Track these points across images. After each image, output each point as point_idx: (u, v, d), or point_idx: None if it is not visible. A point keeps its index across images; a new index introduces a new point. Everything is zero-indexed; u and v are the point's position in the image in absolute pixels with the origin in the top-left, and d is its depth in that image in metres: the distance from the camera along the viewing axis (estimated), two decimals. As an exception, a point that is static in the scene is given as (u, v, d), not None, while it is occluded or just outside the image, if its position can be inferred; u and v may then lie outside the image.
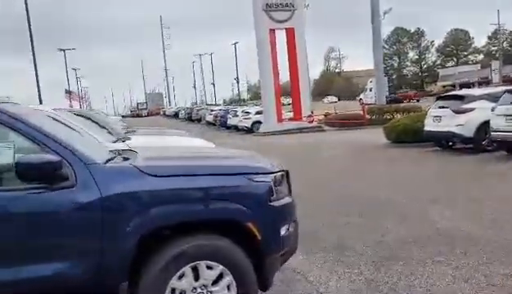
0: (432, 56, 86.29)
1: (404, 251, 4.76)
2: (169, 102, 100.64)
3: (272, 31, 27.35)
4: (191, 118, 46.55)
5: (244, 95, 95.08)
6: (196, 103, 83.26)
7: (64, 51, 51.01)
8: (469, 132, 11.21)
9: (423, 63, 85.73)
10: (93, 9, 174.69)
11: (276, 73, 27.64)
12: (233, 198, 3.07)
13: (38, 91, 26.64)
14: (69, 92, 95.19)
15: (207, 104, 65.24)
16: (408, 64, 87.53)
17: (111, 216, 2.80)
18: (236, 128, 30.47)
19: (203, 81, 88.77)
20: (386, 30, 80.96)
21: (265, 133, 25.70)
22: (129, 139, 5.88)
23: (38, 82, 26.65)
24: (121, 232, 2.79)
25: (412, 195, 7.39)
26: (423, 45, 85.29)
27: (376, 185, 8.38)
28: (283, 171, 3.50)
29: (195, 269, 2.98)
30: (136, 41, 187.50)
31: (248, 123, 29.17)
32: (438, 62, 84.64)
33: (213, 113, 37.71)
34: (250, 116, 29.60)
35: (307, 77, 29.24)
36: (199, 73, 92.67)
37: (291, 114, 28.53)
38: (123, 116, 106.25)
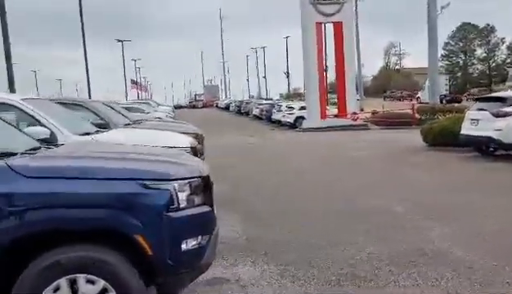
0: (502, 54, 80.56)
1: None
2: (226, 94, 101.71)
3: (319, 25, 26.52)
4: (240, 111, 46.64)
5: (302, 90, 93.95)
6: (253, 96, 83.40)
7: (122, 42, 52.78)
8: (508, 138, 10.09)
9: (491, 61, 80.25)
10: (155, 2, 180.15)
11: (321, 68, 26.82)
12: (119, 206, 2.72)
13: (88, 82, 27.68)
14: (135, 83, 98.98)
15: (260, 98, 65.09)
16: (475, 61, 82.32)
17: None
18: (280, 123, 30.02)
19: (258, 74, 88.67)
20: (452, 26, 76.68)
21: (307, 129, 25.05)
22: (105, 132, 5.70)
23: (87, 72, 27.70)
24: None
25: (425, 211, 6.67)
26: (492, 42, 79.74)
27: (390, 198, 7.59)
28: (199, 177, 3.11)
29: (74, 282, 2.69)
30: (195, 33, 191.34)
31: (291, 118, 28.59)
32: (508, 60, 78.87)
33: (260, 107, 37.45)
34: (294, 111, 29.00)
35: (353, 73, 28.17)
36: (254, 66, 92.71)
37: (336, 111, 27.64)
38: (180, 106, 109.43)
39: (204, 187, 3.15)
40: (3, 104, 5.19)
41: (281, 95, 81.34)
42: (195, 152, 5.90)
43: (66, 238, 2.69)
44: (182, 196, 2.94)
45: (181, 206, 2.93)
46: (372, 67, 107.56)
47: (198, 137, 8.50)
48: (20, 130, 4.00)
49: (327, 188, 8.53)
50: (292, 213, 6.65)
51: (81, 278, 2.68)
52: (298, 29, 27.50)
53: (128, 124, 8.30)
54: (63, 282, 2.66)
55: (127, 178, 2.78)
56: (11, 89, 13.25)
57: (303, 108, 28.46)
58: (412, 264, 4.43)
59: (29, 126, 5.12)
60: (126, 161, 3.12)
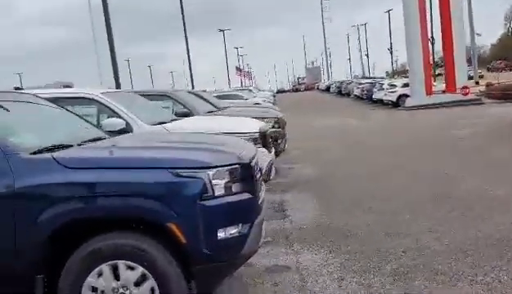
0: None
1: None
2: (328, 76, 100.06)
3: (422, -8, 24.57)
4: (341, 92, 45.52)
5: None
6: (358, 76, 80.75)
7: (223, 31, 54.48)
8: None
9: None
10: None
11: (425, 39, 24.87)
12: (151, 194, 2.75)
13: (190, 72, 29.09)
14: (239, 70, 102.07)
15: (364, 77, 62.80)
16: None
17: (23, 207, 2.76)
18: (382, 102, 28.64)
19: (360, 53, 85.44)
20: None
21: (411, 107, 23.55)
22: (178, 121, 5.88)
23: (190, 63, 29.07)
24: (32, 224, 2.74)
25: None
26: None
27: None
28: (238, 164, 3.02)
29: (115, 269, 2.79)
30: (296, 17, 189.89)
31: (393, 97, 27.08)
32: None
33: (361, 87, 36.10)
34: (396, 89, 27.44)
35: (463, 44, 25.66)
36: (356, 45, 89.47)
37: (443, 86, 25.54)
38: (283, 91, 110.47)
39: (244, 174, 3.06)
40: (85, 98, 5.62)
41: (387, 74, 77.52)
42: (265, 137, 5.82)
43: (106, 226, 2.79)
44: (218, 184, 2.88)
45: (217, 194, 2.87)
46: (493, 35, 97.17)
47: (278, 122, 8.43)
48: (88, 122, 4.26)
49: (434, 183, 6.84)
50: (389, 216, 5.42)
51: (121, 264, 2.77)
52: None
53: (210, 112, 8.50)
54: (105, 267, 2.78)
55: (159, 167, 2.80)
56: (117, 84, 14.32)
57: (406, 85, 26.82)
58: None
59: (108, 118, 5.48)
60: (163, 149, 3.15)
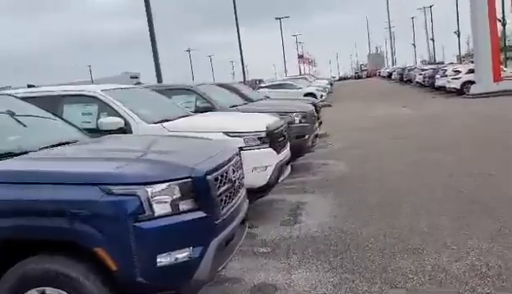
0: None
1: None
2: (392, 62, 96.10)
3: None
4: (403, 78, 43.37)
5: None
6: (425, 61, 76.61)
7: (280, 19, 53.70)
8: None
9: None
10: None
11: (493, 18, 22.75)
12: (77, 214, 2.41)
13: (242, 62, 28.88)
14: (301, 57, 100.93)
15: (432, 63, 59.42)
16: None
17: None
18: (445, 89, 26.79)
19: (427, 37, 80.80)
20: None
21: (476, 95, 21.76)
22: (180, 119, 5.53)
23: (241, 53, 28.84)
24: None
25: None
26: None
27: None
28: (188, 178, 2.62)
29: (44, 294, 2.51)
30: (359, 1, 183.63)
31: (457, 84, 25.17)
32: None
33: (423, 73, 34.05)
34: (460, 75, 25.45)
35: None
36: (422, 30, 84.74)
37: (514, 71, 23.36)
38: (345, 78, 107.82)
39: (198, 189, 2.65)
40: (86, 96, 5.44)
41: (458, 58, 72.74)
42: (273, 136, 5.33)
43: (35, 248, 2.51)
44: (161, 202, 2.50)
45: (158, 213, 2.49)
46: None
47: (306, 116, 7.89)
48: (70, 123, 4.01)
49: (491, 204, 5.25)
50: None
51: (48, 290, 2.48)
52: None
53: (234, 106, 8.12)
54: (34, 293, 2.50)
55: (88, 183, 2.45)
56: (158, 77, 14.26)
57: (471, 71, 24.83)
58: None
59: (108, 116, 5.27)
60: (99, 162, 2.78)
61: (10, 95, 4.01)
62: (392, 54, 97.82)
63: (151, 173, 2.56)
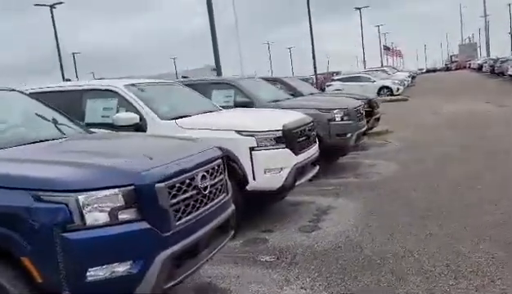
0: None
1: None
2: (487, 53, 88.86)
3: None
4: (494, 70, 39.78)
5: None
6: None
7: (359, 9, 51.79)
8: None
9: None
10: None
11: None
12: (7, 220, 2.31)
13: (313, 54, 28.15)
14: (387, 48, 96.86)
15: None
16: None
17: None
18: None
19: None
20: None
21: None
22: (196, 116, 5.33)
23: (312, 43, 28.13)
24: None
25: None
26: None
27: None
28: (130, 185, 2.42)
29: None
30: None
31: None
32: None
33: (517, 64, 30.95)
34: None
35: None
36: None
37: None
38: (434, 70, 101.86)
39: (142, 198, 2.44)
40: (107, 90, 5.45)
41: None
42: (290, 135, 4.93)
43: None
44: (95, 211, 2.33)
45: (91, 223, 2.32)
46: None
47: (348, 113, 7.36)
48: (69, 117, 3.98)
49: None
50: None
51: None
52: None
53: (275, 101, 7.80)
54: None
55: (15, 187, 2.33)
56: (218, 71, 14.23)
57: None
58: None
59: (126, 111, 5.24)
60: (43, 165, 2.61)
61: (14, 90, 4.05)
62: (487, 44, 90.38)
63: (86, 179, 2.39)
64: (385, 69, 41.22)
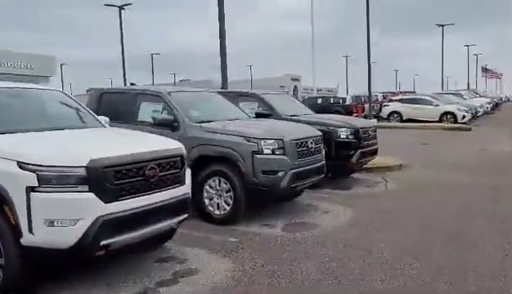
0: None
1: None
2: None
3: None
4: None
5: None
6: None
7: (442, 26, 51.75)
8: None
9: None
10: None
11: None
12: None
13: (369, 73, 28.93)
14: (485, 70, 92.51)
15: None
16: None
17: None
18: None
19: None
20: None
21: None
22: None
23: (369, 62, 28.71)
24: None
25: None
26: None
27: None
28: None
29: None
30: None
31: None
32: None
33: None
34: None
35: None
36: None
37: None
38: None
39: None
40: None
41: None
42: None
43: None
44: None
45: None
46: None
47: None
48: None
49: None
50: None
51: None
52: None
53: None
54: None
55: None
56: (224, 84, 12.39)
57: None
58: None
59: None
60: None
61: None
62: None
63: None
64: (462, 92, 40.53)
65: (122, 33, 36.58)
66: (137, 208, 4.30)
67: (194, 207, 6.14)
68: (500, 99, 66.51)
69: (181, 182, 4.90)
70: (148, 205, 4.40)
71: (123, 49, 36.80)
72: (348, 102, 29.98)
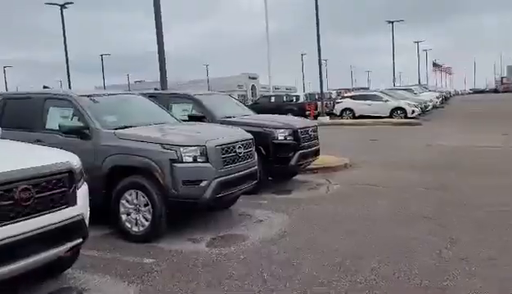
0: None
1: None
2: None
3: None
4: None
5: None
6: None
7: (392, 22, 52.65)
8: None
9: None
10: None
11: None
12: None
13: (320, 71, 29.20)
14: (436, 66, 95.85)
15: None
16: None
17: None
18: None
19: None
20: None
21: None
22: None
23: (319, 60, 29.10)
24: None
25: None
26: None
27: None
28: None
29: None
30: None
31: None
32: None
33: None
34: None
35: None
36: None
37: None
38: (480, 91, 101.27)
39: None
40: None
41: None
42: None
43: None
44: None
45: None
46: None
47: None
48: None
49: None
50: None
51: None
52: None
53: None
54: None
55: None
56: (162, 84, 12.26)
57: None
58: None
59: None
60: None
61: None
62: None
63: None
64: (413, 87, 41.61)
65: (64, 33, 36.08)
66: (4, 239, 3.61)
67: (112, 223, 6.33)
68: (449, 93, 68.93)
69: (71, 202, 4.22)
70: (20, 234, 3.73)
71: (66, 49, 36.51)
72: (301, 100, 29.78)
